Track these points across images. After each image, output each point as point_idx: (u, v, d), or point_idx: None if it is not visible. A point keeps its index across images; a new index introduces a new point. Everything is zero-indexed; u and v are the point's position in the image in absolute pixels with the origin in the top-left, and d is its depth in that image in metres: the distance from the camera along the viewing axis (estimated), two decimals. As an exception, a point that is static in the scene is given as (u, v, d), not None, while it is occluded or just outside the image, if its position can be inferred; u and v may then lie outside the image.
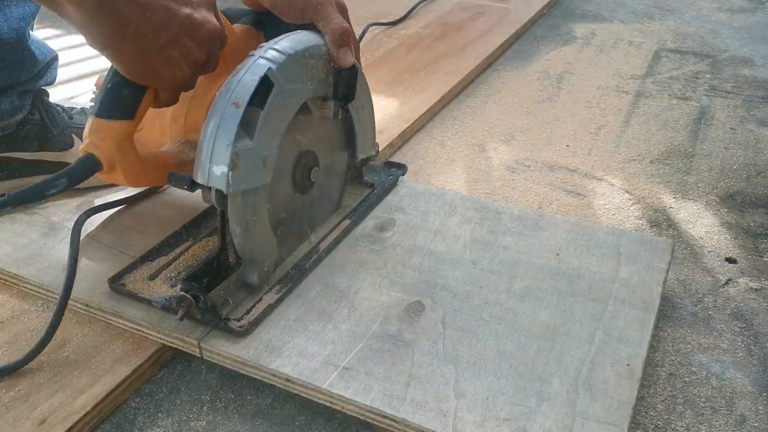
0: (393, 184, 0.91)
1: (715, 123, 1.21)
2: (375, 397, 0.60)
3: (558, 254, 0.78)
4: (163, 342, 0.69)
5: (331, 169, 0.82)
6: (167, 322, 0.69)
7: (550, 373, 0.63)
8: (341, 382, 0.62)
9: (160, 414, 0.66)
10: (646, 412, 0.65)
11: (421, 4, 1.73)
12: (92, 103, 0.69)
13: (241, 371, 0.66)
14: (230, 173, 0.63)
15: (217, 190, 0.64)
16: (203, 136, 0.64)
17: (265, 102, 0.65)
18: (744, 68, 1.44)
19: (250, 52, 0.67)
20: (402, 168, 0.94)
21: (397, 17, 1.64)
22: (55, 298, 0.74)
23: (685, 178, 1.04)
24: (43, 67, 0.88)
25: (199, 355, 0.68)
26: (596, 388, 0.61)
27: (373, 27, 1.59)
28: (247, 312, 0.69)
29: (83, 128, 0.69)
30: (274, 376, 0.64)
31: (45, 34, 1.66)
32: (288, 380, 0.63)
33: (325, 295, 0.73)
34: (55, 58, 0.91)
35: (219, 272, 0.69)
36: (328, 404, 0.62)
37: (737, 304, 0.79)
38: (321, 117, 0.75)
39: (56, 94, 1.18)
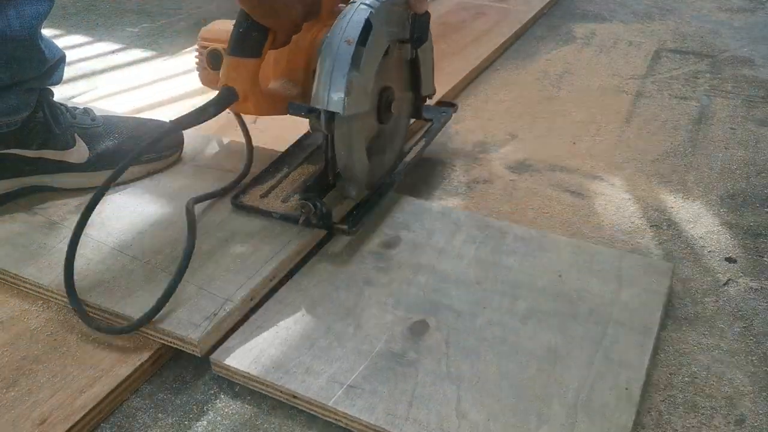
0: (448, 118, 1.05)
1: (715, 123, 1.21)
2: (379, 416, 0.61)
3: (560, 275, 0.78)
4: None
5: (403, 104, 0.95)
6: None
7: (550, 395, 0.63)
8: (347, 400, 0.62)
9: (160, 414, 0.66)
10: (647, 412, 0.65)
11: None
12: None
13: (248, 386, 0.67)
14: (346, 98, 0.75)
15: (328, 115, 0.76)
16: (321, 68, 0.76)
17: (366, 40, 0.76)
18: (744, 68, 1.44)
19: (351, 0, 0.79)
20: (454, 106, 1.08)
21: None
22: (56, 298, 0.74)
23: (685, 177, 1.04)
24: (51, 66, 0.89)
25: (212, 371, 0.69)
26: (595, 412, 0.61)
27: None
28: (347, 216, 0.84)
29: (85, 128, 0.71)
30: (280, 392, 0.64)
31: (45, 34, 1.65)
32: (294, 396, 0.64)
33: (332, 311, 0.73)
34: (63, 59, 0.91)
35: (323, 189, 0.85)
36: (332, 421, 0.63)
37: (737, 304, 0.79)
38: (399, 57, 0.87)
39: (56, 94, 1.18)
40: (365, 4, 0.78)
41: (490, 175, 1.04)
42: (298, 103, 0.80)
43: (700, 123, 1.21)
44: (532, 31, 1.64)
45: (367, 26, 0.76)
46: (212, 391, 0.68)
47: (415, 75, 0.95)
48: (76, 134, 0.92)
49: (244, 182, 0.90)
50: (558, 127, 1.19)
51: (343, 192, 0.86)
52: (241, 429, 0.64)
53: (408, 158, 0.95)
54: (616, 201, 0.98)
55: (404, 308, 0.73)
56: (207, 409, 0.66)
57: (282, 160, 0.95)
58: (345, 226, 0.82)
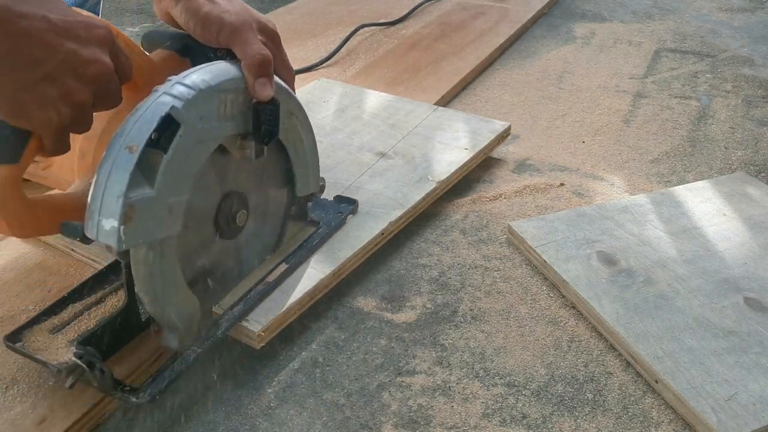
0: (340, 223, 0.83)
1: (715, 122, 1.21)
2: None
3: None
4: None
5: (267, 209, 0.74)
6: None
7: None
8: None
9: (159, 414, 0.66)
10: None
11: (422, 5, 1.72)
12: None
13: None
14: (122, 227, 0.54)
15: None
16: (94, 183, 0.56)
17: (169, 144, 0.57)
18: (744, 68, 1.44)
19: (155, 87, 0.59)
20: (353, 203, 0.86)
21: (397, 17, 1.64)
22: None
23: (685, 177, 1.04)
24: None
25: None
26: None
27: (373, 27, 1.58)
28: (152, 379, 0.61)
29: None
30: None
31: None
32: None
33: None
34: None
35: (125, 332, 0.64)
36: None
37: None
38: (241, 157, 0.66)
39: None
40: (170, 95, 0.57)
41: (490, 175, 1.04)
42: (76, 222, 0.58)
43: (700, 123, 1.21)
44: (532, 31, 1.64)
45: (168, 125, 0.56)
46: (213, 390, 0.68)
47: (288, 172, 0.74)
48: None
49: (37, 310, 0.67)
50: (558, 127, 1.19)
51: (163, 342, 0.63)
52: (242, 428, 0.64)
53: (261, 286, 0.72)
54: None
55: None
56: (207, 409, 0.66)
57: (101, 277, 0.71)
58: (135, 398, 0.59)
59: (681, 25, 1.69)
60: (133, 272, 0.59)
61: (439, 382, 0.69)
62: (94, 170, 0.62)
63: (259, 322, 0.69)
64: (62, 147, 0.58)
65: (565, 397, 0.67)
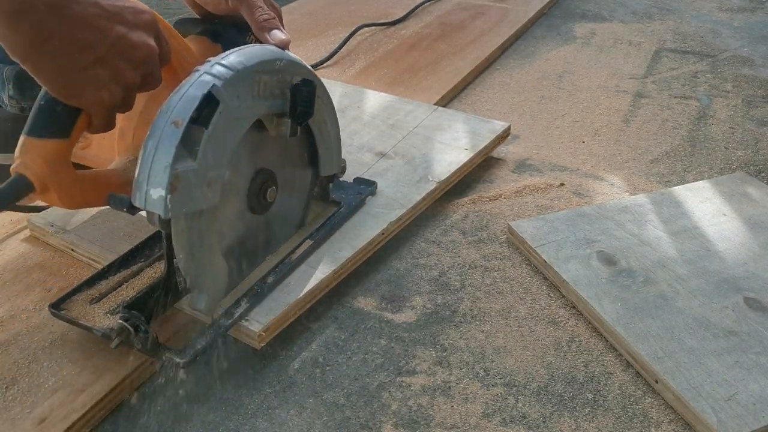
0: (360, 203, 0.86)
1: (715, 122, 1.21)
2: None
3: None
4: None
5: (293, 187, 0.78)
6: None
7: None
8: None
9: (159, 413, 0.66)
10: None
11: (422, 5, 1.72)
12: None
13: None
14: (168, 196, 0.59)
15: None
16: (141, 156, 0.60)
17: (209, 120, 0.61)
18: (744, 68, 1.44)
19: (196, 67, 0.63)
20: (371, 185, 0.89)
21: (397, 17, 1.64)
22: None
23: (685, 177, 1.04)
24: None
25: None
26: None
27: (373, 27, 1.58)
28: (187, 348, 0.65)
29: None
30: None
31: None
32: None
33: None
34: None
35: (168, 296, 0.67)
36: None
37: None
38: (277, 135, 0.70)
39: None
40: (210, 74, 0.62)
41: (490, 175, 1.04)
42: (122, 195, 0.63)
43: (700, 123, 1.21)
44: (532, 31, 1.64)
45: (209, 102, 0.61)
46: (212, 390, 0.68)
47: (312, 151, 0.78)
48: None
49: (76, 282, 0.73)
50: (558, 127, 1.19)
51: (192, 304, 0.68)
52: (242, 428, 0.64)
53: (290, 259, 0.76)
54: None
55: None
56: (207, 409, 0.66)
57: (136, 252, 0.76)
58: (178, 358, 0.64)
59: (681, 25, 1.69)
60: (173, 241, 0.62)
61: (439, 382, 0.69)
62: (132, 149, 0.71)
63: (259, 322, 0.69)
64: (109, 125, 0.63)
65: (565, 397, 0.67)
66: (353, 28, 1.53)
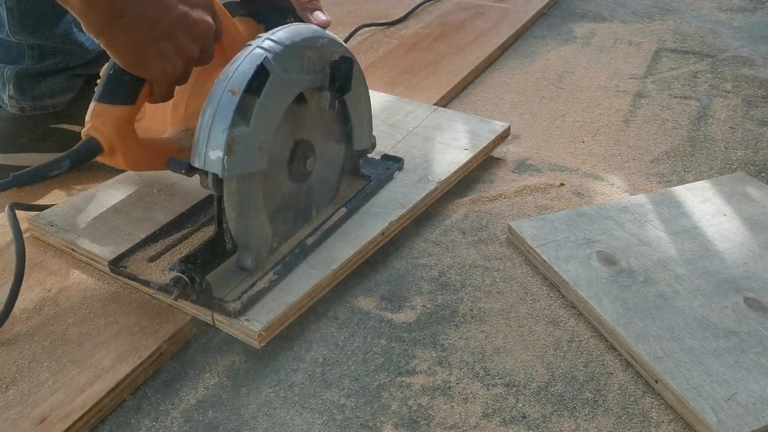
0: (388, 178, 0.92)
1: (715, 122, 1.21)
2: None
3: None
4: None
5: (329, 160, 0.84)
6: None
7: None
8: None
9: (160, 413, 0.66)
10: None
11: (422, 5, 1.72)
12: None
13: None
14: (225, 158, 0.65)
15: (214, 175, 0.66)
16: (200, 121, 0.66)
17: (261, 90, 0.66)
18: (744, 68, 1.44)
19: (248, 42, 0.69)
20: (399, 162, 0.95)
21: (397, 17, 1.64)
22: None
23: (685, 177, 1.04)
24: (96, 56, 0.98)
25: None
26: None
27: (373, 27, 1.58)
28: (241, 295, 0.71)
29: None
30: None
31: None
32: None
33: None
34: None
35: (215, 257, 0.72)
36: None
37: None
38: (317, 107, 0.76)
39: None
40: (262, 48, 0.68)
41: (490, 175, 1.04)
42: (180, 158, 0.69)
43: (700, 123, 1.21)
44: (532, 31, 1.64)
45: (261, 73, 0.67)
46: (212, 391, 0.68)
47: (346, 127, 0.84)
48: None
49: (134, 242, 0.79)
50: (558, 127, 1.19)
51: (239, 262, 0.74)
52: (242, 428, 0.64)
53: (327, 224, 0.82)
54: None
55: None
56: (207, 409, 0.66)
57: (186, 217, 0.83)
58: (235, 304, 0.70)
59: (681, 25, 1.69)
60: (225, 202, 0.69)
61: (439, 382, 0.69)
62: (185, 120, 0.78)
63: (259, 322, 0.69)
64: (168, 95, 0.71)
65: (565, 397, 0.67)
66: (353, 28, 1.53)
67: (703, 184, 0.97)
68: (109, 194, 0.90)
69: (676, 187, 0.97)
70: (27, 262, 0.80)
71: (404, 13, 1.66)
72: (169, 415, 0.65)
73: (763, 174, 1.05)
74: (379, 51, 1.46)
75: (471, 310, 0.78)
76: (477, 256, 0.87)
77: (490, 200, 0.98)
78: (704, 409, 0.63)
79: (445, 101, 1.27)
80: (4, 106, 0.97)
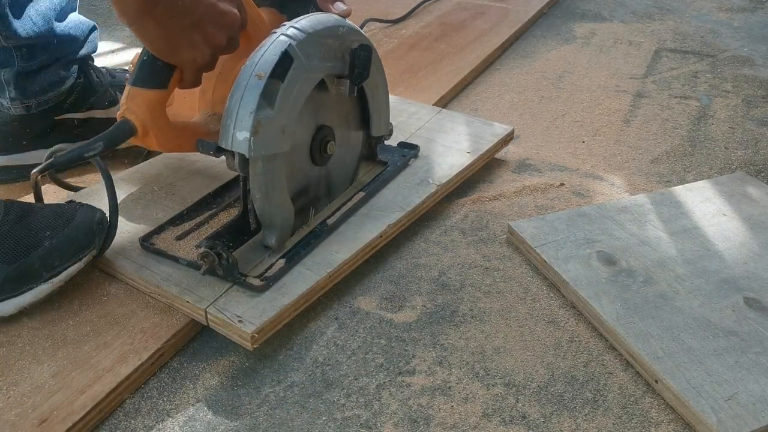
0: (404, 165, 0.95)
1: (715, 122, 1.21)
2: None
3: None
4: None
5: (347, 145, 0.87)
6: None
7: None
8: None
9: (160, 414, 0.66)
10: None
11: (422, 5, 1.72)
12: (128, 74, 0.77)
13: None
14: (252, 139, 0.68)
15: (240, 155, 0.70)
16: (228, 104, 0.70)
17: (285, 75, 0.70)
18: (744, 68, 1.44)
19: (273, 30, 0.73)
20: (415, 149, 0.98)
21: (397, 17, 1.64)
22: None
23: (685, 177, 1.04)
24: (82, 41, 1.01)
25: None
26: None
27: (373, 27, 1.58)
28: (265, 271, 0.74)
29: (124, 85, 0.77)
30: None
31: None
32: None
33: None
34: (94, 28, 1.04)
35: (240, 235, 0.76)
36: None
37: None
38: (337, 94, 0.80)
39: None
40: (286, 36, 0.72)
41: (490, 175, 1.04)
42: (207, 140, 0.73)
43: (700, 123, 1.21)
44: (532, 31, 1.64)
45: (285, 59, 0.70)
46: (211, 392, 0.68)
47: (364, 113, 0.88)
48: (117, 92, 1.03)
49: (162, 222, 0.82)
50: (558, 127, 1.19)
51: (263, 240, 0.78)
52: (242, 429, 0.64)
53: (346, 207, 0.85)
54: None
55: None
56: (207, 410, 0.66)
57: (211, 199, 0.87)
58: (254, 282, 0.72)
59: (681, 25, 1.69)
60: (250, 179, 0.72)
61: (439, 382, 0.69)
62: (211, 105, 0.82)
63: (253, 323, 0.69)
64: (196, 82, 0.75)
65: (565, 397, 0.67)
66: (359, 24, 1.53)
67: (703, 184, 0.97)
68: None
69: (676, 187, 0.97)
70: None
71: (404, 13, 1.66)
72: (170, 416, 0.65)
73: (763, 174, 1.05)
74: (379, 51, 1.45)
75: (471, 310, 0.78)
76: (477, 256, 0.87)
77: (490, 200, 0.98)
78: (704, 409, 0.63)
79: (445, 101, 1.27)
80: (6, 110, 0.98)
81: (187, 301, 0.71)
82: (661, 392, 0.67)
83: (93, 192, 0.90)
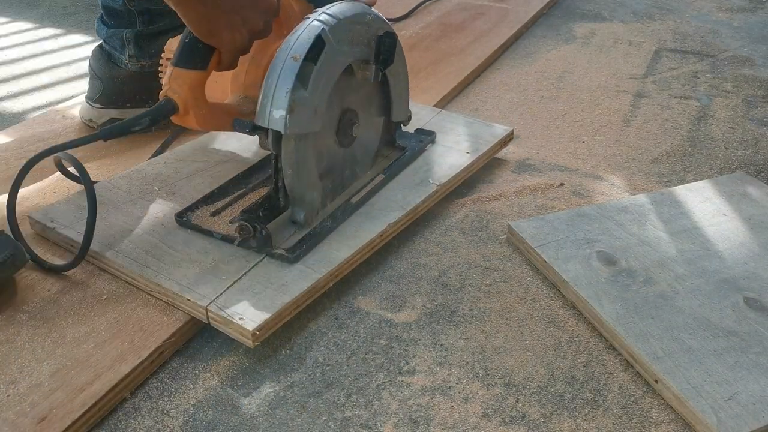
0: (422, 150, 0.99)
1: (715, 122, 1.21)
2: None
3: None
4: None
5: (370, 129, 0.91)
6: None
7: None
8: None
9: (159, 413, 0.66)
10: None
11: (422, 5, 1.72)
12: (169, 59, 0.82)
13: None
14: (288, 117, 0.72)
15: (274, 133, 0.74)
16: (265, 84, 0.74)
17: (318, 58, 0.74)
18: (744, 68, 1.44)
19: (306, 16, 0.77)
20: (431, 135, 1.02)
21: (397, 17, 1.64)
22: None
23: (685, 177, 1.04)
24: None
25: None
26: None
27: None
28: (295, 245, 0.78)
29: None
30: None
31: (45, 33, 1.65)
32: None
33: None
34: None
35: (271, 211, 0.80)
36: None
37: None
38: (363, 78, 0.83)
39: (54, 95, 1.18)
40: (318, 21, 0.76)
41: (490, 175, 1.04)
42: (242, 119, 0.77)
43: (700, 123, 1.21)
44: (532, 31, 1.64)
45: (318, 43, 0.74)
46: (211, 391, 0.68)
47: (386, 99, 0.92)
48: None
49: (195, 199, 0.87)
50: (558, 127, 1.19)
51: (291, 216, 0.81)
52: (241, 429, 0.64)
53: (368, 187, 0.89)
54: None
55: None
56: (206, 409, 0.66)
57: (243, 177, 0.92)
58: (286, 253, 0.76)
59: (681, 25, 1.69)
60: (282, 156, 0.76)
61: (439, 382, 0.69)
62: (244, 87, 0.85)
63: (253, 321, 0.69)
64: (233, 64, 0.78)
65: (565, 396, 0.67)
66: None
67: (703, 184, 0.97)
68: (110, 192, 0.90)
69: (676, 187, 0.97)
70: (27, 262, 0.80)
71: (404, 13, 1.66)
72: (169, 415, 0.65)
73: (763, 174, 1.05)
74: (379, 51, 1.46)
75: (471, 310, 0.78)
76: (477, 256, 0.87)
77: (490, 200, 0.98)
78: (704, 409, 0.62)
79: (446, 102, 1.26)
80: (123, 66, 1.09)
81: (188, 299, 0.71)
82: (661, 392, 0.67)
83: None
